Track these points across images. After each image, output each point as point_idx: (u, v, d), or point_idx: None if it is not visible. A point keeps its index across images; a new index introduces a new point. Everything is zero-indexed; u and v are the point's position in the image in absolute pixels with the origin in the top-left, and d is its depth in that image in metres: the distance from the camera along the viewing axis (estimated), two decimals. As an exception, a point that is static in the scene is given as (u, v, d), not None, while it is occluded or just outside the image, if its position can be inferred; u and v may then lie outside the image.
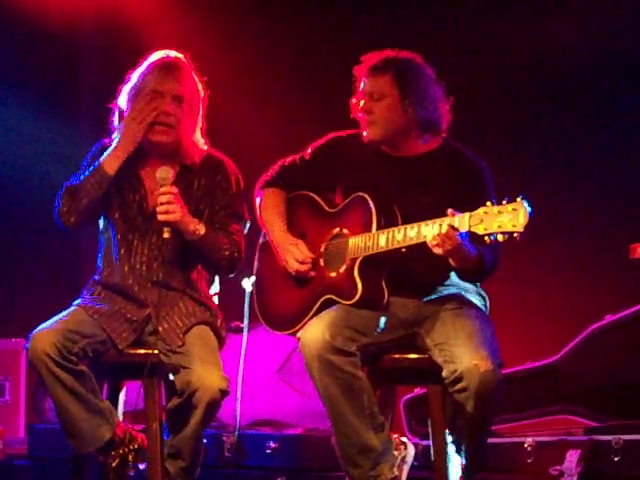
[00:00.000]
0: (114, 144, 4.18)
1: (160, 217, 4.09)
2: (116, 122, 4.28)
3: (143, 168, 4.29)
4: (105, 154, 4.18)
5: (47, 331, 3.99)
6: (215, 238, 4.20)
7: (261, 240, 4.46)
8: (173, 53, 4.30)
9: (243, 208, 4.34)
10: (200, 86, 4.30)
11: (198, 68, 4.33)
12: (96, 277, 4.30)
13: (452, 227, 3.78)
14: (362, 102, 4.18)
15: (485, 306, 4.23)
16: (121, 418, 4.26)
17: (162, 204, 4.09)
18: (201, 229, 4.16)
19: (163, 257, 4.24)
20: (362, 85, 4.20)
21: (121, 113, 4.26)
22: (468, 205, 3.78)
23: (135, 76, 4.25)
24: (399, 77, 4.13)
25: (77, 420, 4.01)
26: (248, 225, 4.37)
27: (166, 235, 4.11)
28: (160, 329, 4.13)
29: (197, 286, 4.29)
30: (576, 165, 6.35)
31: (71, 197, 4.18)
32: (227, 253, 4.20)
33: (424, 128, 4.17)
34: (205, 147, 4.36)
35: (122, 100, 4.26)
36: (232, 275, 4.34)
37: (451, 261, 3.91)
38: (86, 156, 4.33)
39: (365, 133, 4.20)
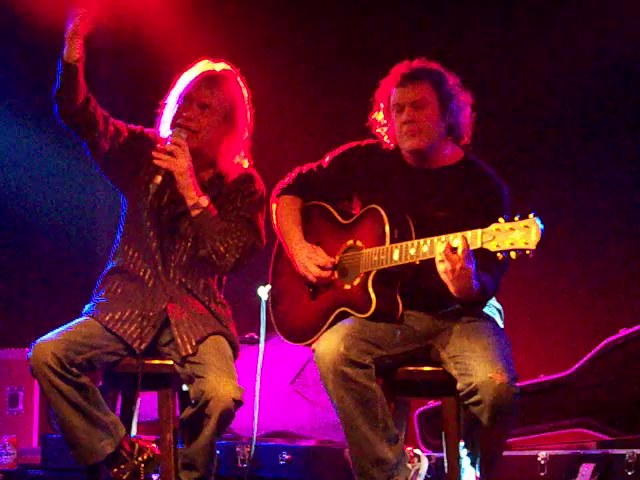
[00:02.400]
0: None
1: (156, 161, 4.12)
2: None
3: None
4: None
5: (48, 341, 3.99)
6: (217, 224, 4.19)
7: (275, 250, 4.47)
8: (225, 65, 4.37)
9: (259, 220, 4.32)
10: (245, 103, 4.34)
11: (247, 84, 4.39)
12: (112, 265, 4.29)
13: (452, 248, 3.79)
14: (403, 114, 4.15)
15: (500, 319, 4.22)
16: (134, 430, 4.26)
17: (165, 150, 4.13)
18: (203, 201, 4.17)
19: (181, 258, 4.25)
20: (398, 96, 4.18)
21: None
22: (483, 222, 3.78)
23: (179, 82, 4.34)
24: (436, 84, 4.15)
25: (77, 432, 4.00)
26: (264, 242, 4.34)
27: (157, 181, 4.11)
28: (174, 329, 4.13)
29: (212, 289, 4.29)
30: (589, 181, 6.35)
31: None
32: (222, 249, 4.18)
33: (453, 135, 4.20)
34: (246, 166, 4.39)
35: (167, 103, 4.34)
36: (222, 273, 4.30)
37: (451, 287, 3.89)
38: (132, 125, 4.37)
39: (403, 142, 4.19)
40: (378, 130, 4.29)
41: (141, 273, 4.23)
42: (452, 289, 3.90)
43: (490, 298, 4.07)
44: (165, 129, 4.32)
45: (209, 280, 4.29)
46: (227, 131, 4.30)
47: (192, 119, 4.24)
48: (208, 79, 4.29)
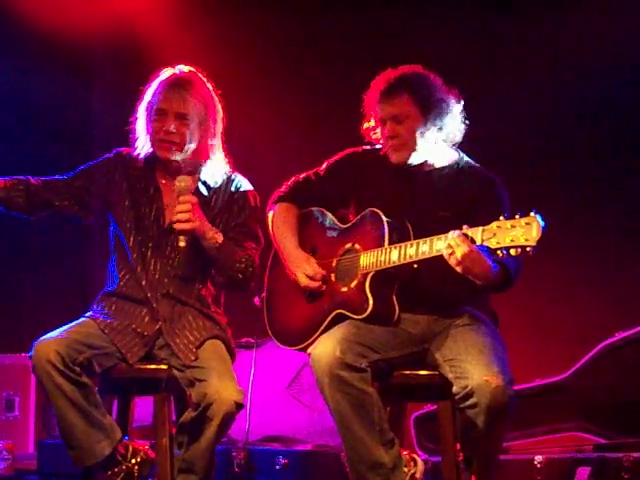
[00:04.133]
0: None
1: (178, 225, 4.10)
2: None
3: (161, 182, 4.32)
4: None
5: (51, 340, 4.00)
6: (232, 250, 4.22)
7: (272, 255, 4.48)
8: (186, 68, 4.33)
9: (258, 229, 4.36)
10: (215, 102, 4.33)
11: (214, 83, 4.35)
12: (107, 289, 4.31)
13: (464, 235, 3.78)
14: (386, 128, 4.16)
15: (496, 323, 4.22)
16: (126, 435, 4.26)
17: (181, 212, 4.10)
18: (219, 237, 4.18)
19: (175, 272, 4.26)
20: (379, 111, 4.19)
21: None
22: (483, 220, 3.78)
23: (146, 94, 4.30)
24: (415, 94, 4.14)
25: (77, 432, 3.99)
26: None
27: (182, 244, 4.12)
28: (172, 344, 4.14)
29: (207, 302, 4.30)
30: (588, 182, 6.35)
31: None
32: (243, 266, 4.22)
33: (445, 137, 4.19)
34: (227, 167, 4.38)
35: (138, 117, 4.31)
36: (245, 291, 4.34)
37: (472, 277, 3.88)
38: (94, 161, 4.40)
39: (391, 155, 4.20)
40: (373, 136, 4.30)
41: (134, 295, 4.24)
42: (472, 277, 3.88)
43: (515, 277, 4.02)
44: (142, 145, 4.29)
45: (203, 291, 4.30)
46: (205, 133, 4.29)
47: (173, 132, 4.22)
48: (177, 87, 4.23)
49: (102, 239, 4.47)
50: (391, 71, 4.23)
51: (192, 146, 4.25)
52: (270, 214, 4.46)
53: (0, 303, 6.96)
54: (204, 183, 4.32)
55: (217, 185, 4.34)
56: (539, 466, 5.02)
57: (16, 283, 7.06)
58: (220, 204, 4.32)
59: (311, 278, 4.23)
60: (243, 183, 4.37)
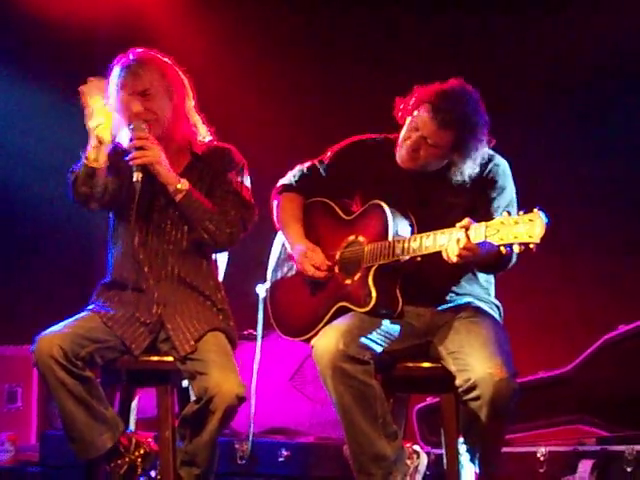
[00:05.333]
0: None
1: (135, 161, 4.09)
2: None
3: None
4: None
5: (54, 334, 3.99)
6: (202, 204, 4.18)
7: (275, 245, 4.47)
8: (132, 53, 4.27)
9: (246, 192, 4.29)
10: (176, 72, 4.28)
11: (173, 58, 4.32)
12: (107, 279, 4.30)
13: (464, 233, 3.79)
14: (414, 135, 4.09)
15: (499, 315, 4.22)
16: (133, 426, 4.26)
17: (135, 146, 4.10)
18: (184, 184, 4.16)
19: (178, 249, 4.24)
20: (418, 120, 4.09)
21: None
22: (488, 212, 3.79)
23: (109, 94, 4.23)
24: (459, 137, 4.05)
25: (79, 426, 3.99)
26: (256, 213, 4.30)
27: (136, 178, 4.08)
28: (171, 333, 4.13)
29: (211, 282, 4.27)
30: (591, 178, 6.34)
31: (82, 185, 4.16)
32: (212, 227, 4.17)
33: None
34: (210, 137, 4.37)
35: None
36: (219, 251, 4.30)
37: (473, 265, 3.92)
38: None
39: (400, 156, 4.16)
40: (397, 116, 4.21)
41: (132, 281, 4.21)
42: (474, 266, 3.92)
43: (511, 259, 4.02)
44: (123, 135, 4.25)
45: (208, 267, 4.27)
46: (178, 106, 4.25)
47: (141, 111, 4.18)
48: (129, 68, 4.20)
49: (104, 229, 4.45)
50: (449, 88, 4.09)
51: (166, 118, 4.22)
52: (274, 204, 4.44)
53: (2, 295, 6.97)
54: (194, 155, 4.30)
55: (206, 156, 4.31)
56: (542, 459, 5.02)
57: (19, 274, 7.07)
58: (212, 174, 4.29)
59: (317, 268, 4.23)
60: (230, 150, 4.34)
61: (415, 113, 4.11)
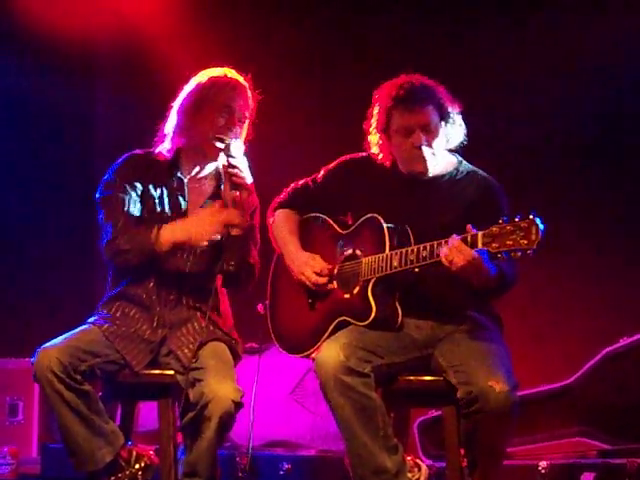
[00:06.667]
0: (181, 228, 4.20)
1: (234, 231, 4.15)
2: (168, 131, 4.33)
3: (189, 183, 4.34)
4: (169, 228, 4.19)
5: (53, 347, 4.00)
6: (247, 244, 4.27)
7: (274, 263, 4.48)
8: (239, 76, 4.34)
9: (257, 237, 4.38)
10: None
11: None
12: (112, 292, 4.30)
13: (464, 240, 3.79)
14: (407, 138, 4.13)
15: (500, 328, 4.22)
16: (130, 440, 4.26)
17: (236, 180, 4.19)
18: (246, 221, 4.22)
19: (190, 269, 4.27)
20: (402, 121, 4.12)
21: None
22: (484, 225, 3.79)
23: (191, 91, 4.29)
24: (438, 105, 4.13)
25: (77, 439, 4.00)
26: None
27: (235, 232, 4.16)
28: (173, 347, 4.14)
29: (216, 302, 4.30)
30: (592, 186, 6.34)
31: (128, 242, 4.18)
32: (252, 262, 4.28)
33: (447, 146, 4.20)
34: None
35: (175, 114, 4.31)
36: (241, 289, 4.37)
37: (471, 280, 3.90)
38: (112, 167, 4.33)
39: (408, 164, 4.18)
40: (373, 150, 4.28)
41: (140, 299, 4.24)
42: (472, 281, 3.89)
43: (512, 282, 4.03)
44: (199, 137, 4.26)
45: (215, 289, 4.28)
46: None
47: (235, 134, 4.26)
48: (241, 91, 4.28)
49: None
50: (404, 80, 4.16)
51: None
52: (271, 221, 4.47)
53: (3, 307, 6.97)
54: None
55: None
56: (543, 472, 5.01)
57: (20, 287, 7.07)
58: None
59: (318, 274, 4.24)
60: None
61: (391, 124, 4.15)
